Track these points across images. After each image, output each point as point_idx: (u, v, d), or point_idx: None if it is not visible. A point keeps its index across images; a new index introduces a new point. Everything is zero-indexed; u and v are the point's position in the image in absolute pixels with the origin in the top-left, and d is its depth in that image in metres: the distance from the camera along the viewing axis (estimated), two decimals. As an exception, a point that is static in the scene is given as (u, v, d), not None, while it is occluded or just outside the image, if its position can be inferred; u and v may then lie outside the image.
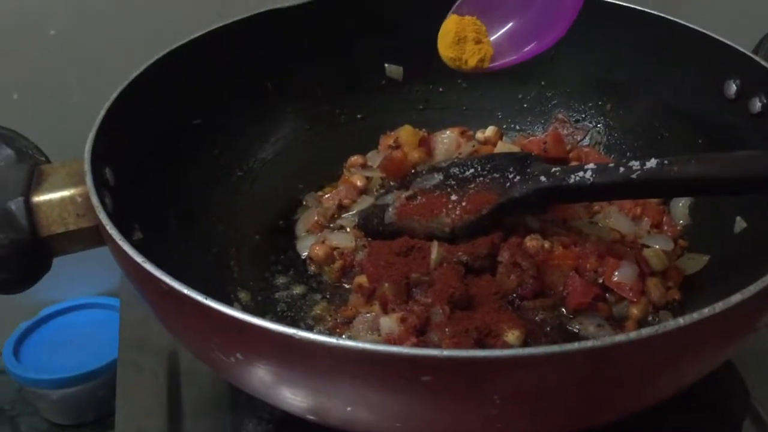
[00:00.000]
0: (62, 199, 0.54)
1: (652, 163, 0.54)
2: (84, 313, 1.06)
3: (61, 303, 1.07)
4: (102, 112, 0.58)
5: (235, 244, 0.68)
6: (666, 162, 0.54)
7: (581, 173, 0.58)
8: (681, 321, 0.40)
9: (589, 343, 0.38)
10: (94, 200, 0.50)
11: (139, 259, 0.44)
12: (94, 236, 0.54)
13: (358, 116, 0.82)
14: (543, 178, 0.60)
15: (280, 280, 0.66)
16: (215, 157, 0.72)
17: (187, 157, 0.68)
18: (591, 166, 0.58)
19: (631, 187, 0.56)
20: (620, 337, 0.38)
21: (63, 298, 1.09)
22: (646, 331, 0.39)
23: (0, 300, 1.06)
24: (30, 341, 1.03)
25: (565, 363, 0.38)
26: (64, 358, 1.00)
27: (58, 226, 0.53)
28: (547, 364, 0.38)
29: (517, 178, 0.63)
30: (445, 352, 0.38)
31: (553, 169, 0.61)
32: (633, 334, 0.39)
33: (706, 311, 0.40)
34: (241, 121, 0.75)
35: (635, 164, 0.55)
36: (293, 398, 0.45)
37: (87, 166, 0.53)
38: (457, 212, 0.63)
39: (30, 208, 0.52)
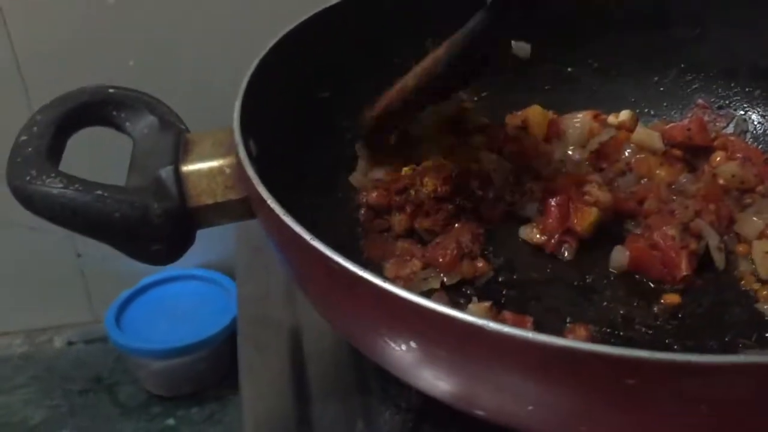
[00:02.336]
0: (211, 170, 0.51)
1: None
2: (182, 285, 1.06)
3: (159, 273, 1.07)
4: (245, 81, 0.56)
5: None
6: None
7: None
8: None
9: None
10: (250, 172, 0.47)
11: (306, 236, 0.42)
12: (240, 209, 0.52)
13: (483, 94, 0.78)
14: None
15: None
16: (342, 131, 0.70)
17: (317, 130, 0.67)
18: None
19: None
20: None
21: (160, 269, 1.10)
22: None
23: (100, 267, 1.08)
24: (131, 310, 1.03)
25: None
26: (164, 329, 1.00)
27: (206, 197, 0.51)
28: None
29: None
30: (658, 355, 0.35)
31: None
32: None
33: None
34: (365, 95, 0.73)
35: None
36: (463, 391, 0.42)
37: (237, 137, 0.51)
38: None
39: (179, 178, 0.50)
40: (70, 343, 1.11)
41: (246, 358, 0.65)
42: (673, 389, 0.36)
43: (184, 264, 1.16)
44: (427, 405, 0.52)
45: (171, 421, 1.00)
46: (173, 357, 0.98)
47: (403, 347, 0.41)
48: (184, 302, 1.04)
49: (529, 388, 0.39)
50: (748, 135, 0.73)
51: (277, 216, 0.44)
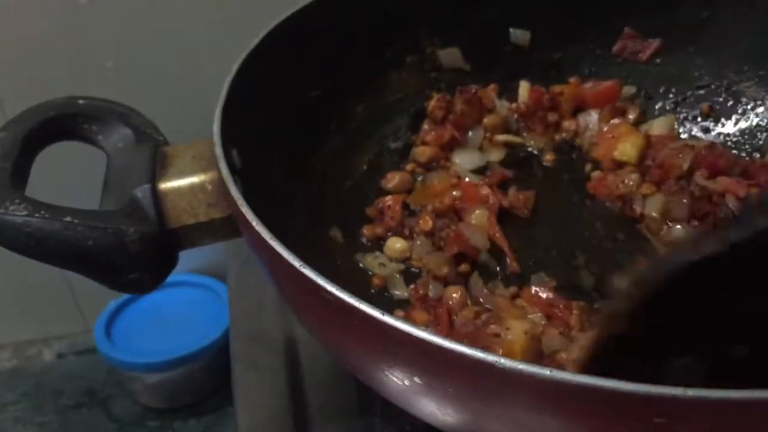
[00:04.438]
0: (191, 187, 0.48)
1: None
2: (173, 292, 1.02)
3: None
4: (225, 86, 0.52)
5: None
6: None
7: None
8: None
9: None
10: (233, 191, 0.43)
11: (296, 263, 0.38)
12: (226, 228, 0.49)
13: (479, 85, 0.74)
14: None
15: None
16: (332, 132, 0.66)
17: (307, 133, 0.63)
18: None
19: None
20: None
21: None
22: None
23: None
24: (121, 320, 0.99)
25: None
26: (157, 340, 0.96)
27: (188, 217, 0.47)
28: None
29: None
30: (690, 392, 0.31)
31: None
32: None
33: None
34: (357, 91, 0.69)
35: None
36: (473, 427, 0.39)
37: (218, 150, 0.47)
38: None
39: (157, 197, 0.46)
40: (60, 356, 1.07)
41: (240, 378, 0.62)
42: (707, 428, 0.32)
43: (174, 270, 1.12)
44: (432, 428, 0.49)
45: (169, 435, 0.97)
46: (169, 369, 0.94)
47: (406, 382, 0.38)
48: (176, 310, 1.00)
49: (547, 425, 0.35)
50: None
51: (264, 240, 0.40)
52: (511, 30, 0.73)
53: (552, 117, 0.69)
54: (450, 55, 0.72)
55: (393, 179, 0.64)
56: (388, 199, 0.62)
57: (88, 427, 0.98)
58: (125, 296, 1.02)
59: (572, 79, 0.70)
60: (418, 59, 0.72)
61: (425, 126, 0.70)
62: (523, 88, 0.70)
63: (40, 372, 1.05)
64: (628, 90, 0.70)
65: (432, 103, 0.69)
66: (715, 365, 0.38)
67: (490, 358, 0.33)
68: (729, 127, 0.68)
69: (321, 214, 0.62)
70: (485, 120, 0.69)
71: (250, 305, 0.67)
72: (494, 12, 0.72)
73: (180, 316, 1.00)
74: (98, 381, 1.03)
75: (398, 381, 0.38)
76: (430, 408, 0.39)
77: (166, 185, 0.47)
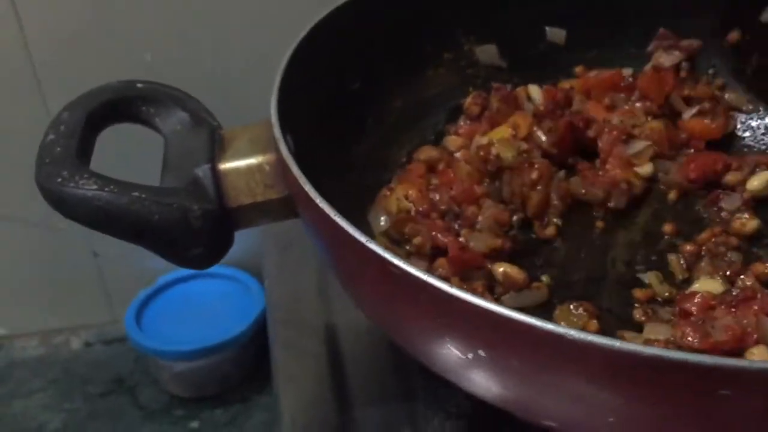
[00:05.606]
0: (249, 168, 0.49)
1: None
2: (202, 283, 1.03)
3: (178, 271, 1.04)
4: (278, 74, 0.53)
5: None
6: None
7: None
8: None
9: None
10: (294, 169, 0.45)
11: (363, 239, 0.39)
12: (281, 208, 0.50)
13: (515, 81, 0.75)
14: None
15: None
16: (371, 125, 0.67)
17: (349, 125, 0.64)
18: None
19: None
20: None
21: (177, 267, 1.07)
22: None
23: (117, 265, 1.06)
24: (150, 310, 1.00)
25: None
26: (186, 329, 0.97)
27: (246, 197, 0.48)
28: None
29: None
30: (757, 364, 0.32)
31: None
32: None
33: None
34: (396, 85, 0.70)
35: None
36: (533, 402, 0.39)
37: (277, 132, 0.48)
38: None
39: (217, 177, 0.47)
40: (87, 344, 1.08)
41: (281, 363, 0.63)
42: (772, 400, 0.33)
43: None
44: (479, 410, 0.49)
45: (195, 424, 0.98)
46: (197, 358, 0.95)
47: (470, 356, 0.38)
48: (205, 301, 1.01)
49: (611, 399, 0.36)
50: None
51: (327, 216, 0.41)
52: (546, 28, 0.74)
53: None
54: (486, 52, 0.73)
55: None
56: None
57: (115, 414, 0.99)
58: (155, 285, 1.03)
59: (578, 69, 0.71)
60: (455, 56, 0.73)
61: (461, 122, 0.71)
62: (535, 91, 0.71)
63: (68, 360, 1.06)
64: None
65: (468, 100, 0.70)
66: None
67: (559, 329, 0.34)
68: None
69: (361, 204, 0.63)
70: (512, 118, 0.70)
71: (289, 292, 0.68)
72: (531, 11, 0.73)
73: (209, 306, 1.01)
74: (126, 369, 1.04)
75: (461, 354, 0.39)
76: (490, 383, 0.40)
77: (226, 165, 0.48)
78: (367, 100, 0.67)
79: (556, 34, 0.75)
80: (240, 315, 0.97)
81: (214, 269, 1.04)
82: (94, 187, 0.43)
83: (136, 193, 0.44)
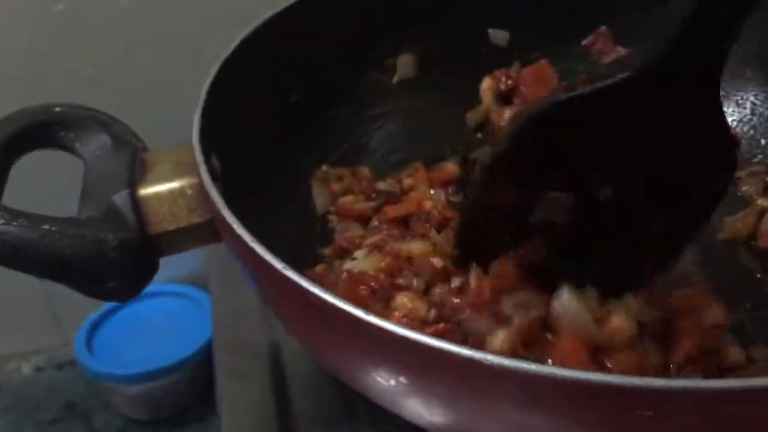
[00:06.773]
0: (171, 192, 0.47)
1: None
2: (153, 302, 1.01)
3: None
4: (204, 90, 0.52)
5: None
6: None
7: None
8: None
9: None
10: (213, 194, 0.43)
11: (279, 265, 0.38)
12: (206, 232, 0.48)
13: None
14: None
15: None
16: (313, 137, 0.65)
17: (289, 138, 0.62)
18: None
19: None
20: None
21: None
22: None
23: (62, 287, 1.03)
24: (101, 332, 0.98)
25: None
26: (139, 351, 0.95)
27: (169, 223, 0.46)
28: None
29: None
30: (674, 383, 0.31)
31: None
32: None
33: None
34: (339, 95, 0.68)
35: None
36: (462, 426, 0.38)
37: (198, 155, 0.46)
38: None
39: (137, 203, 0.46)
40: (38, 369, 1.06)
41: (224, 385, 0.61)
42: (694, 420, 0.33)
43: (153, 279, 1.11)
44: (419, 429, 0.48)
45: (152, 447, 0.96)
46: (151, 380, 0.93)
47: (392, 382, 0.37)
48: (157, 320, 0.99)
49: (537, 422, 0.35)
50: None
51: (245, 243, 0.40)
52: (490, 31, 0.74)
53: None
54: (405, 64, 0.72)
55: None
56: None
57: (69, 441, 0.97)
58: (105, 308, 1.01)
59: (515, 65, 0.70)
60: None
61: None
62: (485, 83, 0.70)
63: (19, 386, 1.03)
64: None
65: None
66: (581, 202, 0.42)
67: (477, 355, 0.33)
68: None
69: (305, 217, 0.61)
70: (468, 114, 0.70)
71: (232, 312, 0.67)
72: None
73: (161, 326, 0.99)
74: (78, 394, 1.02)
75: (384, 381, 0.38)
76: (417, 408, 0.39)
77: (146, 191, 0.47)
78: (308, 112, 0.65)
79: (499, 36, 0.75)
80: (194, 333, 0.95)
81: (166, 287, 1.03)
82: (2, 221, 0.41)
83: (46, 226, 0.42)
